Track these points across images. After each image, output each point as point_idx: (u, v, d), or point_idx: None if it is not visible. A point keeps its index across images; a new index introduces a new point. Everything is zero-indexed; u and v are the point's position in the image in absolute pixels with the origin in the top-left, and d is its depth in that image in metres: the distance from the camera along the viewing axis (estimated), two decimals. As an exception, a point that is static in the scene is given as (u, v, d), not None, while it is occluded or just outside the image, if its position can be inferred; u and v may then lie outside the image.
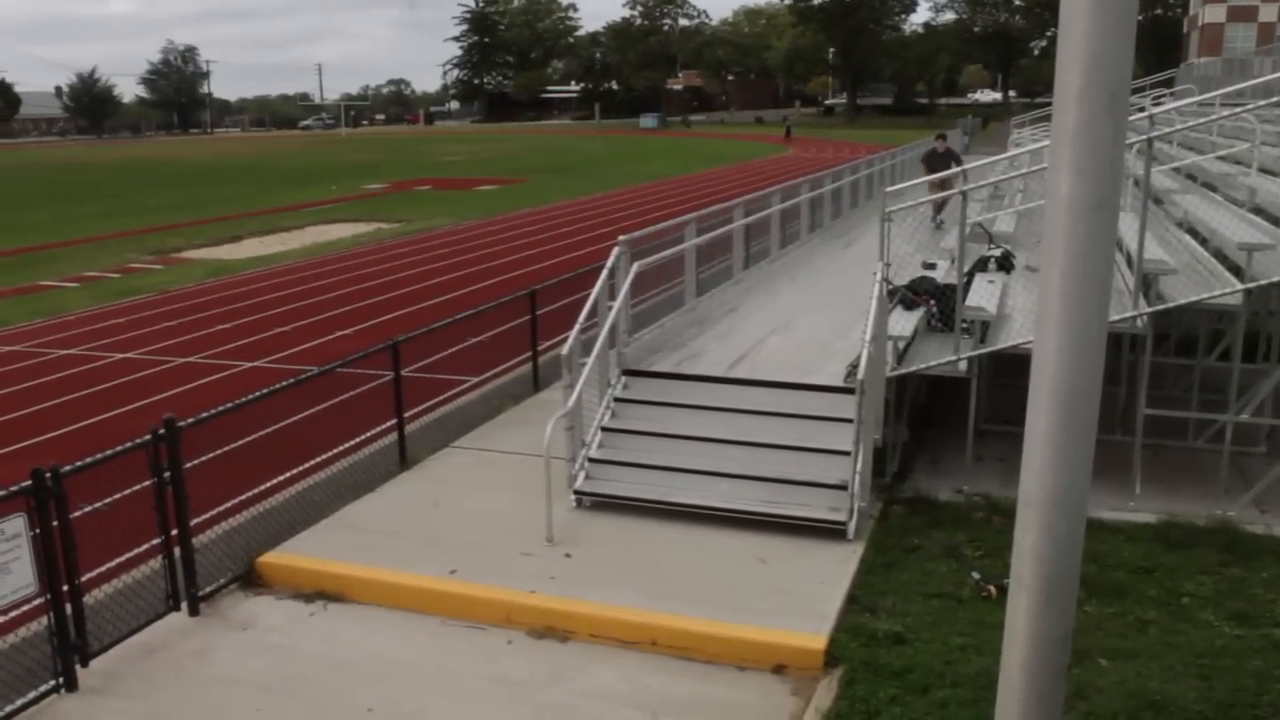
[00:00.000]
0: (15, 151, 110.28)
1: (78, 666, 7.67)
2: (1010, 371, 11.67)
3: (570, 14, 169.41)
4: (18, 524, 7.13)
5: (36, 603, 7.49)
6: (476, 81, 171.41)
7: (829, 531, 9.27)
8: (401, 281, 25.35)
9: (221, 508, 10.38)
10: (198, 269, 28.77)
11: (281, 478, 11.52)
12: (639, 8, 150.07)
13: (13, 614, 7.73)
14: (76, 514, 7.60)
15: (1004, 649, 4.93)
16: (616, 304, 10.97)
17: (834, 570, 8.73)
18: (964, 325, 10.82)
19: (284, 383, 10.21)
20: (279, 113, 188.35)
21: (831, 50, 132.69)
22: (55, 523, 7.37)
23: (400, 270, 27.16)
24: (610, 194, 46.70)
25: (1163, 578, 8.67)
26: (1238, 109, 15.86)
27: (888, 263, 10.83)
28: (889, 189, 11.75)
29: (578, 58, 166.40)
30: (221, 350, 18.60)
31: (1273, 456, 10.78)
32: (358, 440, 12.56)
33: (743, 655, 7.67)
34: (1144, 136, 10.65)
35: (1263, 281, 9.77)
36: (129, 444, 8.13)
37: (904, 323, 11.30)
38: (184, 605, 8.56)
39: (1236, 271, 10.51)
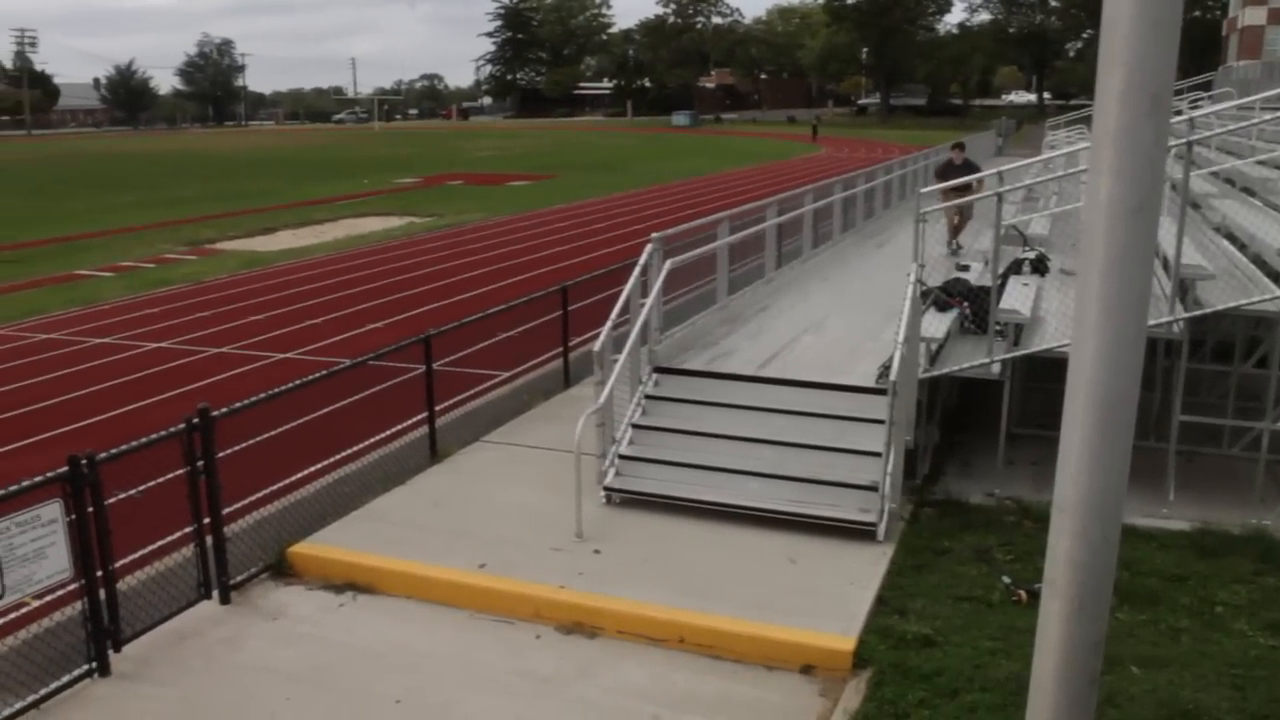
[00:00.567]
0: (53, 142, 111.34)
1: (111, 652, 7.74)
2: (1043, 374, 11.62)
3: (604, 11, 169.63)
4: (54, 510, 7.20)
5: (71, 588, 7.58)
6: (509, 77, 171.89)
7: (858, 532, 9.25)
8: (433, 276, 25.44)
9: (253, 497, 10.45)
10: (231, 260, 28.97)
11: (313, 469, 11.59)
12: (672, 5, 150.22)
13: (48, 599, 7.85)
14: (110, 501, 7.65)
15: (1036, 654, 4.90)
16: (649, 301, 10.98)
17: (863, 571, 8.71)
18: (998, 328, 10.76)
19: (316, 374, 10.27)
20: (313, 106, 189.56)
21: (865, 50, 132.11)
22: (90, 509, 7.45)
23: (432, 264, 27.26)
24: (641, 191, 46.73)
25: (1196, 586, 8.60)
26: (1278, 113, 15.70)
27: (921, 264, 10.79)
28: (923, 190, 11.70)
29: (610, 55, 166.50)
30: (254, 341, 18.72)
31: (1309, 465, 10.67)
32: (388, 433, 12.64)
33: (770, 655, 7.66)
34: (1183, 140, 10.55)
35: (1302, 288, 9.67)
36: (163, 432, 8.20)
37: (937, 324, 11.25)
38: (215, 593, 8.63)
39: (1275, 278, 10.40)
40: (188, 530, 8.64)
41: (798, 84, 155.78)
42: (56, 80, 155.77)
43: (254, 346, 18.35)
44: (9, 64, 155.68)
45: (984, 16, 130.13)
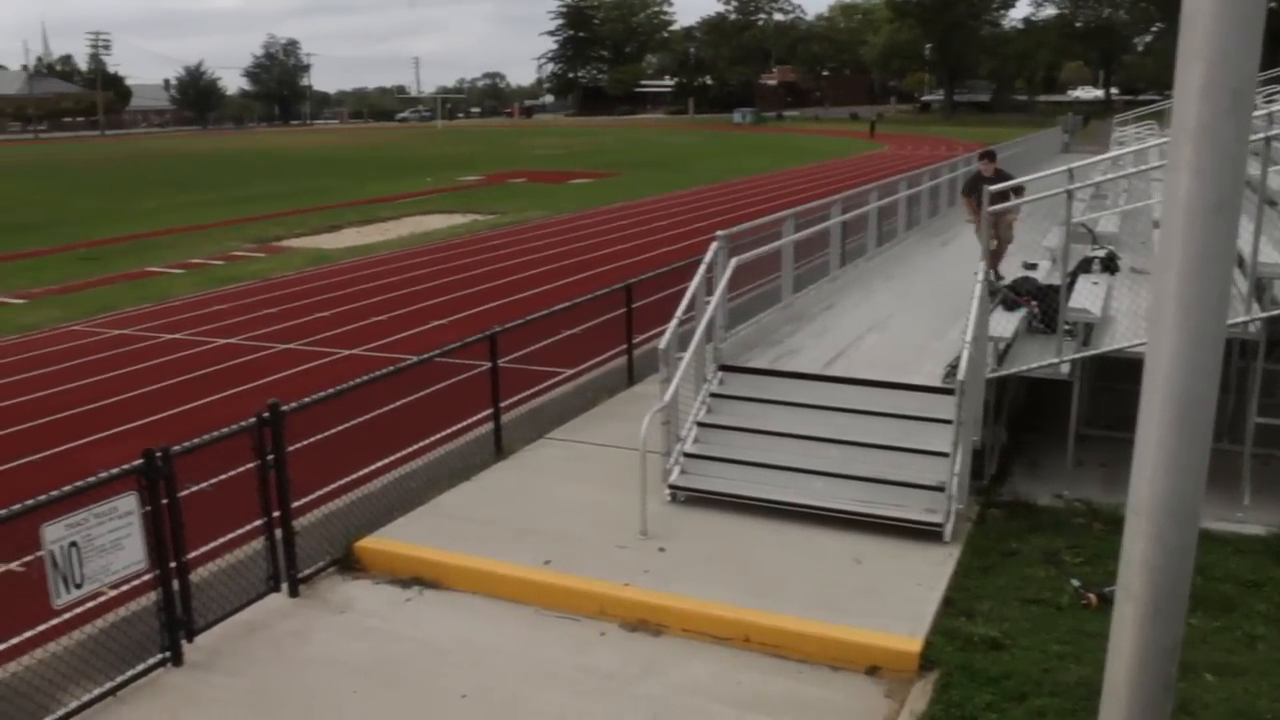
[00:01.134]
0: (125, 142, 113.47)
1: (183, 642, 7.87)
2: (1113, 375, 11.44)
3: (665, 8, 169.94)
4: (130, 502, 7.34)
5: (145, 579, 7.72)
6: (571, 75, 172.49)
7: (925, 533, 9.17)
8: (496, 273, 25.60)
9: (321, 492, 10.59)
10: (297, 257, 29.36)
11: (379, 464, 11.70)
12: (734, 2, 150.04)
13: (123, 589, 8.00)
14: (183, 494, 7.78)
15: (1109, 659, 4.83)
16: (714, 299, 10.96)
17: (930, 572, 8.64)
18: (1067, 327, 10.62)
19: (383, 370, 10.38)
20: (376, 105, 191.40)
21: (928, 46, 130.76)
22: (164, 502, 7.58)
23: (495, 262, 27.43)
24: (703, 189, 46.68)
25: (1272, 592, 8.42)
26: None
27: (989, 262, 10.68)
28: (991, 187, 11.56)
29: (672, 52, 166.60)
30: (320, 338, 18.96)
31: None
32: (453, 429, 12.74)
33: (836, 655, 7.62)
34: (1261, 135, 10.34)
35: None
36: (235, 426, 8.33)
37: (1005, 323, 11.14)
38: (284, 586, 8.74)
39: (1356, 277, 10.16)
40: (258, 524, 8.77)
41: (860, 81, 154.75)
42: (129, 82, 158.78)
43: (320, 343, 18.58)
44: (84, 67, 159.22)
45: (1050, 11, 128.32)
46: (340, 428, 12.15)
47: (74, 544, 7.01)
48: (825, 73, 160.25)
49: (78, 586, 7.08)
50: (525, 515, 9.95)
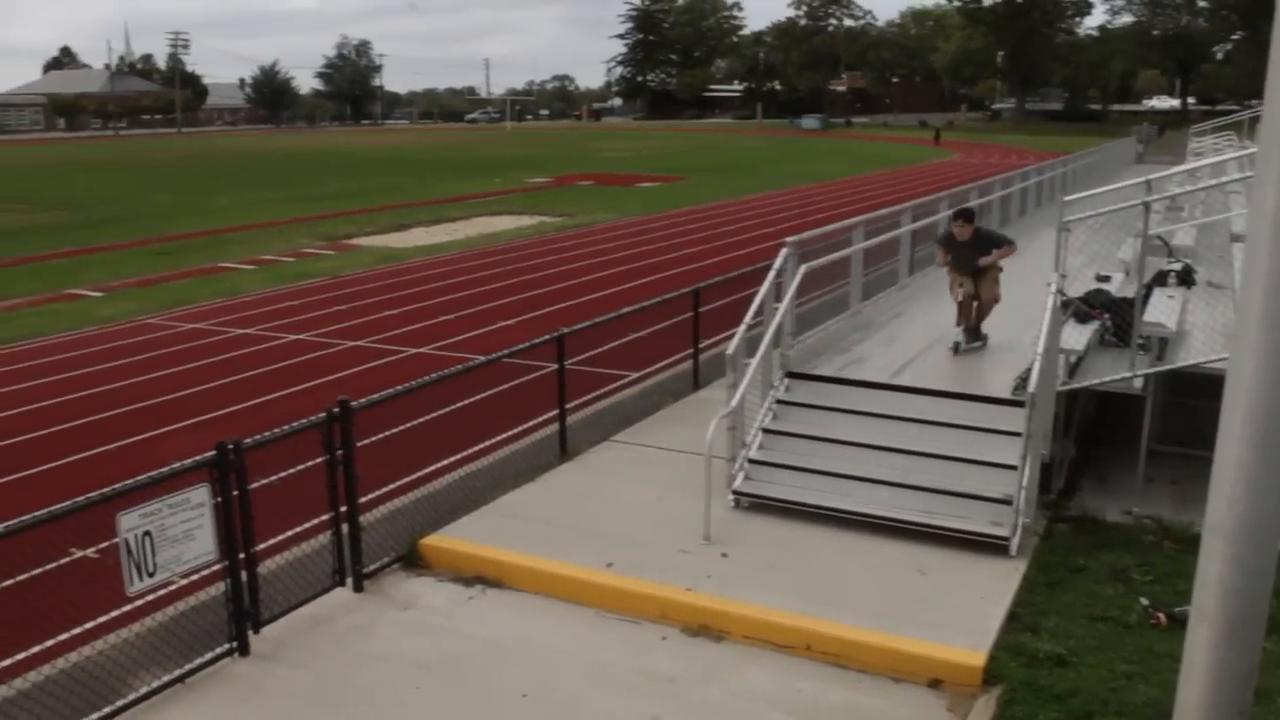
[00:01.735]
0: (201, 139, 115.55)
1: (250, 633, 7.99)
2: (1186, 390, 11.24)
3: (734, 13, 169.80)
4: (202, 494, 7.47)
5: (214, 569, 7.84)
6: (640, 78, 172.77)
7: (990, 546, 9.07)
8: (562, 275, 25.71)
9: (386, 488, 10.69)
10: (367, 256, 29.68)
11: (444, 462, 11.78)
12: (804, 8, 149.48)
13: (193, 578, 8.14)
14: (252, 487, 7.90)
15: (1181, 681, 4.76)
16: (782, 305, 10.92)
17: (995, 586, 8.53)
18: (1140, 341, 10.45)
19: (452, 369, 10.47)
20: (446, 106, 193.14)
21: (1000, 53, 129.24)
22: (235, 494, 7.70)
23: (562, 264, 27.54)
24: (771, 194, 46.52)
25: (1353, 617, 8.22)
26: None
27: (1063, 274, 10.54)
28: (1065, 198, 11.40)
29: (741, 57, 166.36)
30: (388, 335, 19.15)
31: None
32: (519, 429, 12.81)
33: (898, 667, 7.56)
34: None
35: None
36: (305, 421, 8.45)
37: (1077, 336, 10.99)
38: (349, 581, 8.83)
39: None
40: (324, 518, 8.89)
41: (930, 88, 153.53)
42: (205, 81, 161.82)
43: (388, 340, 18.77)
44: (164, 66, 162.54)
45: (1126, 19, 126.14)
46: (407, 425, 12.26)
47: (148, 533, 7.14)
48: (895, 79, 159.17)
49: (150, 575, 7.21)
50: (588, 517, 9.98)
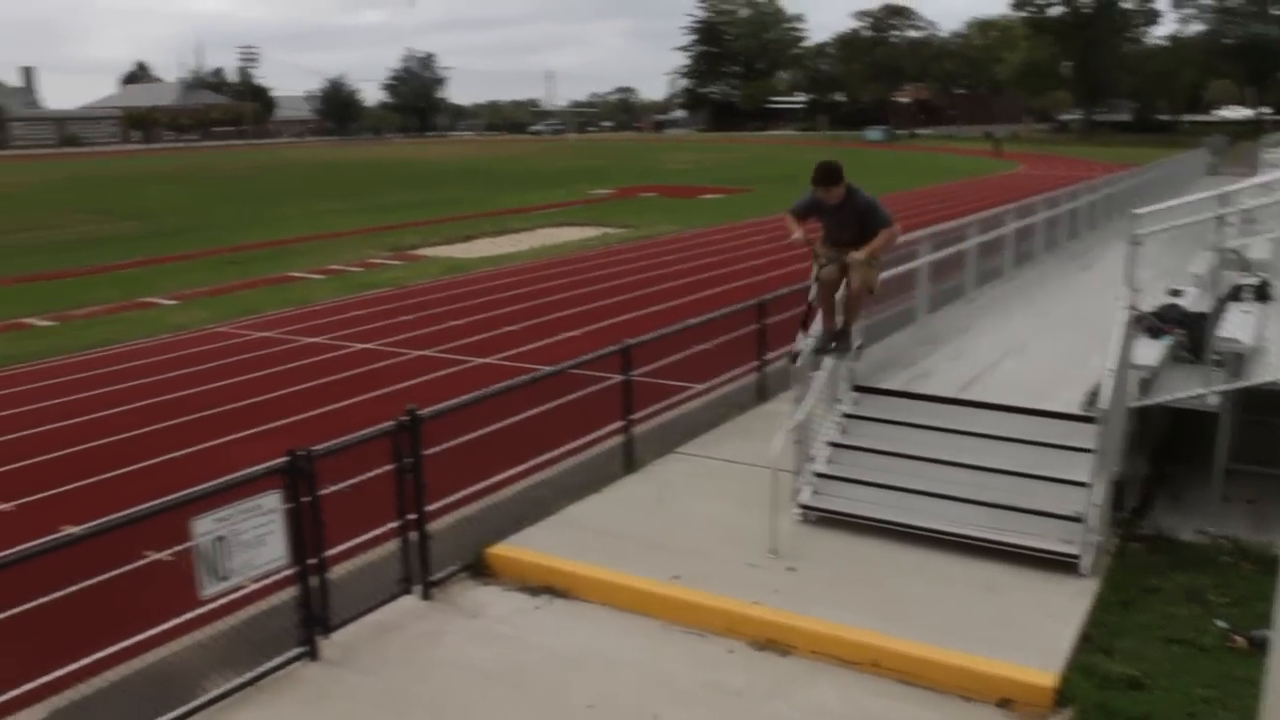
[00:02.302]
0: (269, 151, 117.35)
1: (320, 638, 8.08)
2: (1264, 408, 11.00)
3: (797, 25, 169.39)
4: (274, 500, 7.57)
5: (285, 575, 7.95)
6: (702, 91, 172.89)
7: (1060, 564, 8.93)
8: (626, 286, 25.77)
9: (453, 497, 10.78)
10: (432, 266, 29.96)
11: (510, 472, 11.86)
12: (867, 19, 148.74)
13: (264, 583, 8.27)
14: (322, 494, 8.00)
15: (1261, 706, 4.67)
16: (849, 318, 10.84)
17: (1066, 605, 8.41)
18: (1215, 357, 10.26)
19: (518, 379, 10.54)
20: (510, 118, 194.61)
21: (1066, 63, 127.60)
22: (306, 500, 7.80)
23: (626, 275, 27.62)
24: (834, 206, 46.19)
25: None
26: None
27: (1135, 288, 10.39)
28: (1137, 211, 11.22)
29: (804, 69, 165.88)
30: (454, 345, 19.32)
31: None
32: (584, 441, 12.85)
33: (967, 685, 7.46)
34: None
35: None
36: (374, 429, 8.55)
37: (1149, 351, 10.81)
38: (417, 589, 8.90)
39: None
40: (392, 526, 8.97)
41: (995, 99, 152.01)
42: (274, 93, 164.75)
43: (454, 350, 18.93)
44: (234, 79, 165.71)
45: (1196, 27, 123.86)
46: (473, 435, 12.35)
47: (221, 538, 7.26)
48: (960, 91, 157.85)
49: (223, 579, 7.33)
50: (654, 529, 9.98)
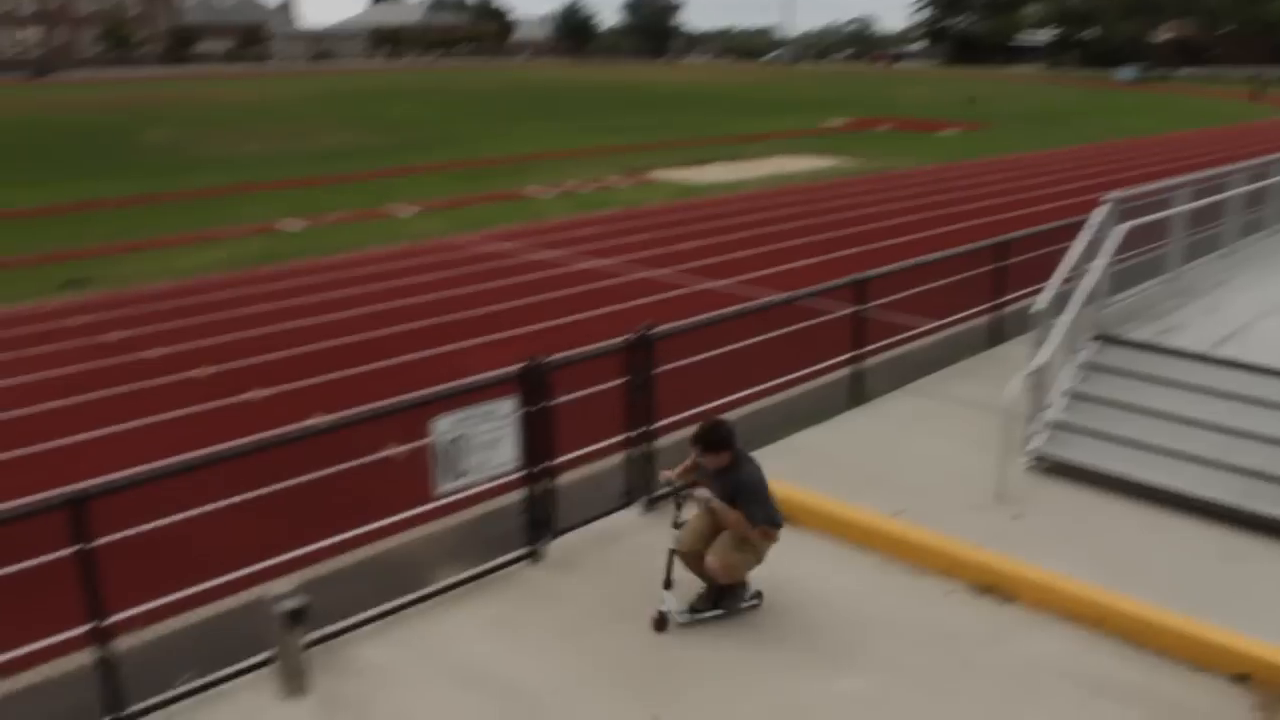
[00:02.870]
0: (506, 71, 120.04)
1: (544, 543, 8.34)
2: None
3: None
4: (510, 405, 7.81)
5: (514, 478, 8.19)
6: (943, 24, 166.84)
7: (1313, 538, 8.40)
8: (858, 219, 25.31)
9: (676, 417, 10.88)
10: (664, 189, 30.14)
11: (734, 396, 11.90)
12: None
13: (495, 484, 8.56)
14: (554, 403, 8.18)
15: None
16: (1097, 265, 10.36)
17: (1315, 581, 7.92)
18: None
19: (749, 304, 10.53)
20: (744, 45, 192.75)
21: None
22: (538, 408, 8.02)
23: (857, 208, 27.12)
24: (1080, 148, 44.06)
25: None
26: None
27: None
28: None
29: (1054, 3, 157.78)
30: (681, 269, 19.42)
31: None
32: (809, 370, 12.77)
33: (1198, 655, 7.11)
34: None
35: None
36: (607, 344, 8.70)
37: None
38: (639, 502, 9.07)
39: None
40: (617, 440, 9.14)
41: (1265, 38, 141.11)
42: (512, 16, 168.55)
43: (682, 274, 19.03)
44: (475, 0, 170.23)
45: None
46: (700, 356, 12.43)
47: (458, 438, 7.55)
48: (1226, 30, 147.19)
49: (458, 477, 7.64)
50: (877, 464, 9.87)
